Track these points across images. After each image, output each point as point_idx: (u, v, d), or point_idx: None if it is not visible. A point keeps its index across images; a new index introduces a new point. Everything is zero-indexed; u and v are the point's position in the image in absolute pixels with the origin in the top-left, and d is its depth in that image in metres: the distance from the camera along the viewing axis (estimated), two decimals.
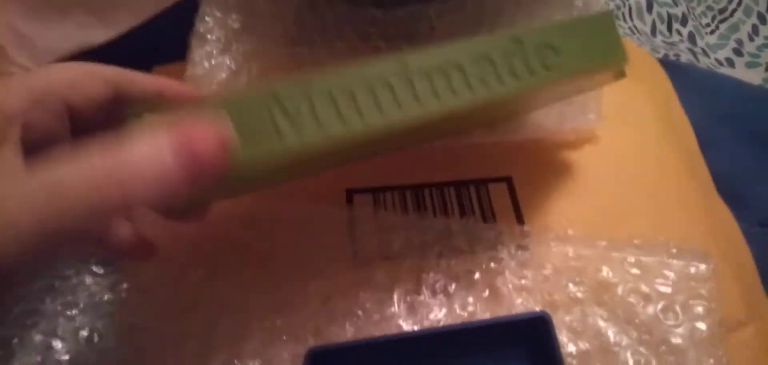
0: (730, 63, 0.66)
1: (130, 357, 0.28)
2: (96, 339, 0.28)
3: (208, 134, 0.17)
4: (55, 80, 0.21)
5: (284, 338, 0.28)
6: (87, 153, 0.16)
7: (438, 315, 0.29)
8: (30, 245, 0.16)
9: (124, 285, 0.30)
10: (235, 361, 0.27)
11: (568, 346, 0.28)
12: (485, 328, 0.27)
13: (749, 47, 0.69)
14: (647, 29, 0.64)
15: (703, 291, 0.30)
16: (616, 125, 0.36)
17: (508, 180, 0.34)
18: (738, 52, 0.69)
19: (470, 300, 0.29)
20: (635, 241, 0.31)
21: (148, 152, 0.16)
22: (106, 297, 0.29)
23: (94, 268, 0.30)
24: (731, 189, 0.39)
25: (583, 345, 0.28)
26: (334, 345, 0.27)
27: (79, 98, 0.21)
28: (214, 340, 0.28)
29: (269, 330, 0.28)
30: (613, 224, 0.32)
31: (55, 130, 0.21)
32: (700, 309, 0.29)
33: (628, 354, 0.28)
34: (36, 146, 0.19)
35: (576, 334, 0.29)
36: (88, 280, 0.30)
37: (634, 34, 0.62)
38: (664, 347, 0.28)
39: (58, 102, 0.20)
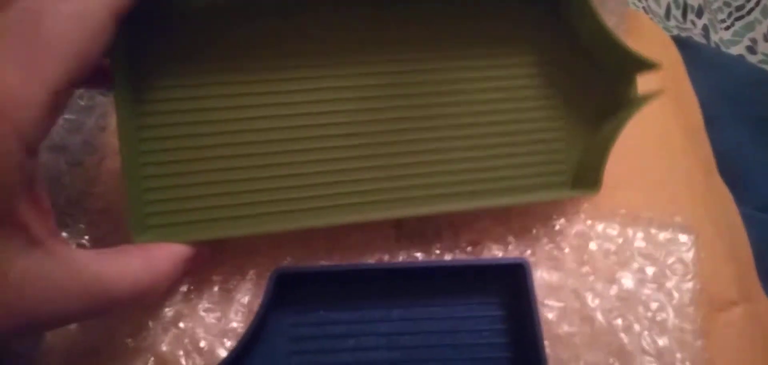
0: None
1: None
2: None
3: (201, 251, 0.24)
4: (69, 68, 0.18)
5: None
6: (128, 256, 0.21)
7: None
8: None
9: None
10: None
11: (545, 301, 0.27)
12: (462, 269, 0.26)
13: (763, 47, 0.67)
14: (662, 12, 0.62)
15: (684, 260, 0.29)
16: None
17: None
18: (752, 49, 0.67)
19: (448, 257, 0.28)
20: (621, 210, 0.30)
21: (167, 268, 0.23)
22: None
23: None
24: (732, 171, 0.37)
25: (560, 303, 0.27)
26: (302, 268, 0.25)
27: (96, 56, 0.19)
28: None
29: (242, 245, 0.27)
30: (606, 192, 0.30)
31: None
32: (680, 279, 0.28)
33: (606, 315, 0.27)
34: None
35: (554, 291, 0.27)
36: None
37: (647, 13, 0.60)
38: (641, 309, 0.27)
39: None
